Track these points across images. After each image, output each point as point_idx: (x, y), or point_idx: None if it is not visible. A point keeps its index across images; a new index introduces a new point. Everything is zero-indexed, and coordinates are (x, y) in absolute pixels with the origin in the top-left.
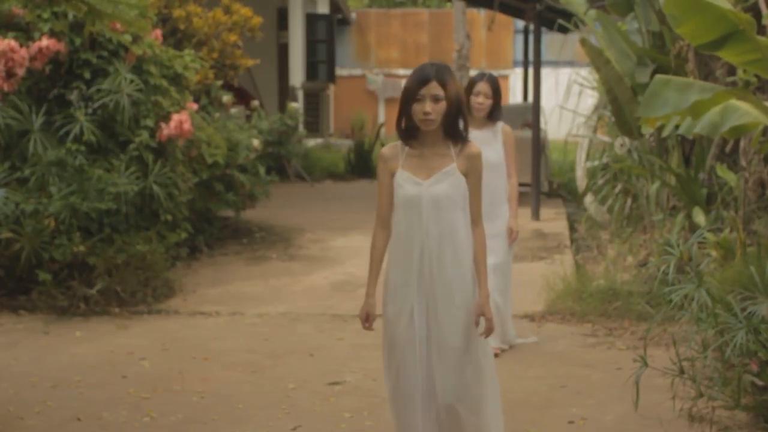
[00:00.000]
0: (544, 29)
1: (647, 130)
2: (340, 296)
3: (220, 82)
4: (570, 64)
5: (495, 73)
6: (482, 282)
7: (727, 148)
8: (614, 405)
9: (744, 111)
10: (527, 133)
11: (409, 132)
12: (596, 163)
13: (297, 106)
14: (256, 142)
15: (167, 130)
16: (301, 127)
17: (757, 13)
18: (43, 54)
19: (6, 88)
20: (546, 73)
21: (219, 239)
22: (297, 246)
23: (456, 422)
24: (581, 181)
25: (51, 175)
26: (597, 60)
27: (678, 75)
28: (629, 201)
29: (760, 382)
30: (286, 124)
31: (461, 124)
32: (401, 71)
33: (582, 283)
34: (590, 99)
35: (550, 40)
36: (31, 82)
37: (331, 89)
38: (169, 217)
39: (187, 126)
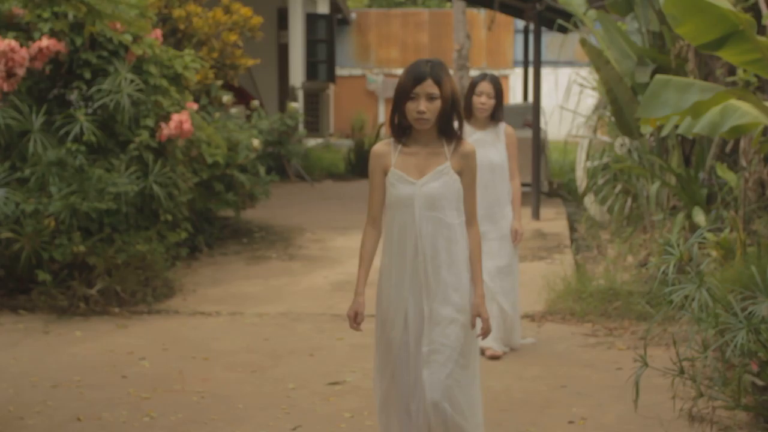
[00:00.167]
0: (544, 29)
1: (647, 130)
2: (340, 296)
3: (220, 82)
4: (570, 64)
5: (495, 73)
6: (477, 282)
7: (727, 148)
8: (614, 405)
9: (744, 111)
10: (527, 133)
11: (403, 130)
12: (596, 163)
13: (297, 106)
14: (256, 142)
15: (167, 130)
16: (301, 127)
17: (757, 13)
18: (43, 54)
19: (6, 88)
20: (546, 73)
21: (219, 239)
22: (297, 246)
23: (442, 422)
24: (581, 181)
25: (51, 175)
26: (597, 60)
27: (678, 75)
28: (629, 201)
29: (760, 382)
30: (286, 124)
31: (456, 123)
32: (401, 71)
33: (582, 283)
34: (590, 99)
35: (550, 40)
36: (31, 82)
37: (331, 89)
38: (169, 217)
39: (187, 126)
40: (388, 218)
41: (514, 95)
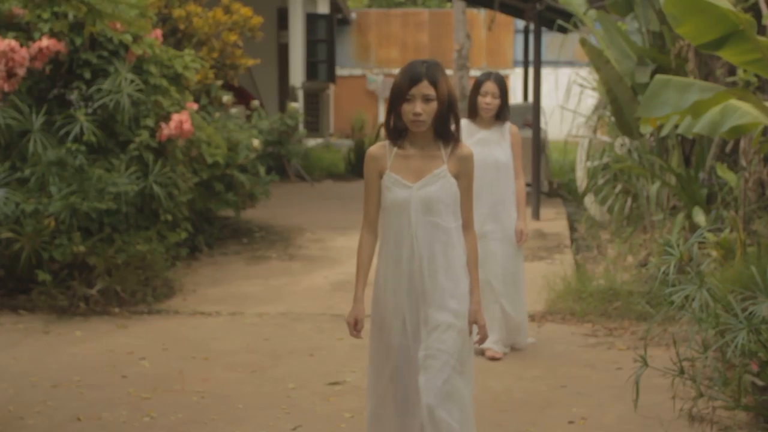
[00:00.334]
0: (544, 29)
1: (646, 130)
2: (340, 296)
3: (220, 82)
4: (570, 64)
5: None
6: (474, 289)
7: (727, 148)
8: (614, 405)
9: (744, 111)
10: (527, 133)
11: (398, 132)
12: (596, 163)
13: (297, 106)
14: (256, 142)
15: (167, 130)
16: (301, 127)
17: (757, 13)
18: (43, 54)
19: (6, 88)
20: (546, 73)
21: (219, 239)
22: (297, 246)
23: (436, 427)
24: (581, 181)
25: (51, 175)
26: (597, 60)
27: (678, 75)
28: (629, 201)
29: (760, 382)
30: (286, 124)
31: (452, 125)
32: None
33: (582, 283)
34: (590, 99)
35: (550, 40)
36: (31, 82)
37: (331, 89)
38: (169, 217)
39: (187, 126)
40: (384, 222)
41: (514, 95)
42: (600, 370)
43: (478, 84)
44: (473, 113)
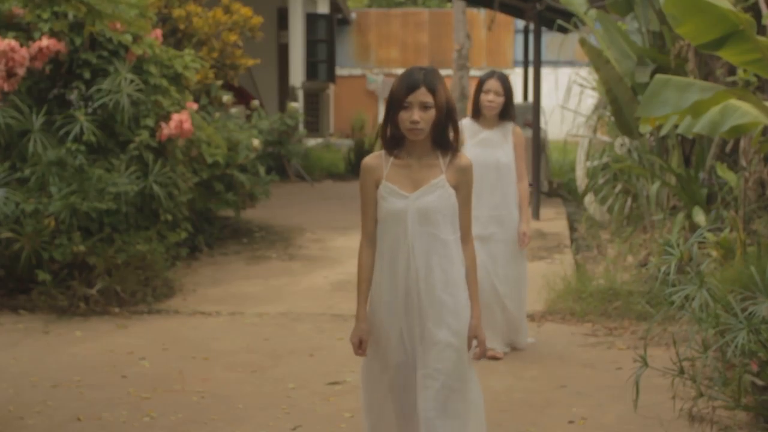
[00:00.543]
0: (544, 29)
1: (646, 129)
2: (340, 296)
3: (220, 82)
4: (570, 64)
5: None
6: (474, 303)
7: (727, 148)
8: (614, 405)
9: (744, 111)
10: (527, 133)
11: (395, 141)
12: (596, 163)
13: (297, 105)
14: (256, 142)
15: (167, 129)
16: (301, 127)
17: (757, 13)
18: (43, 54)
19: (6, 88)
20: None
21: (219, 239)
22: (297, 246)
23: None
24: (581, 181)
25: (51, 175)
26: (596, 60)
27: (678, 75)
28: (629, 201)
29: (760, 382)
30: (286, 124)
31: (451, 133)
32: (401, 71)
33: (582, 283)
34: (590, 99)
35: (550, 40)
36: (31, 82)
37: (331, 89)
38: (169, 217)
39: (187, 126)
40: (379, 233)
41: (514, 95)
42: (600, 370)
43: (481, 82)
44: (476, 112)
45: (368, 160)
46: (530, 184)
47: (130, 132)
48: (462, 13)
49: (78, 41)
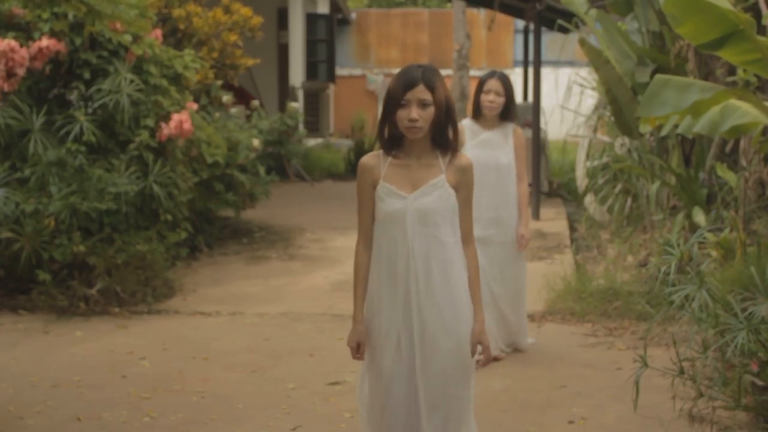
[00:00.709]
0: (544, 29)
1: (646, 129)
2: (340, 296)
3: (220, 82)
4: (570, 64)
5: None
6: (477, 306)
7: (727, 148)
8: (614, 405)
9: (744, 111)
10: (527, 133)
11: (393, 140)
12: (596, 163)
13: (297, 105)
14: (256, 142)
15: (167, 129)
16: (301, 127)
17: (757, 13)
18: (43, 54)
19: (6, 88)
20: (546, 73)
21: (219, 239)
22: (297, 246)
23: None
24: (581, 181)
25: (51, 175)
26: (597, 60)
27: (678, 75)
28: (629, 201)
29: (760, 382)
30: (286, 124)
31: (451, 132)
32: None
33: (582, 283)
34: (590, 99)
35: (551, 40)
36: (31, 82)
37: (331, 89)
38: (169, 217)
39: (187, 126)
40: (377, 235)
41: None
42: (600, 370)
43: (481, 82)
44: (477, 113)
45: (366, 159)
46: (529, 184)
47: (130, 132)
48: (462, 13)
49: (78, 41)
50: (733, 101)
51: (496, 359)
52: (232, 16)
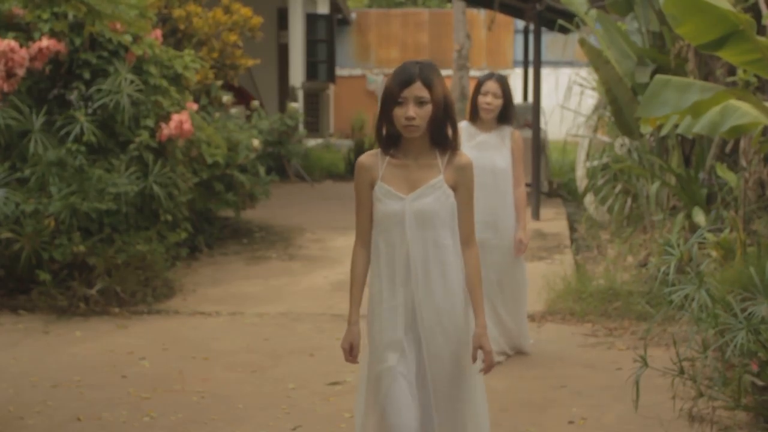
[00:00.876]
0: (544, 29)
1: (646, 129)
2: (340, 296)
3: (220, 82)
4: (570, 64)
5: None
6: (478, 311)
7: (727, 148)
8: (614, 405)
9: (744, 111)
10: (527, 133)
11: (391, 139)
12: (596, 163)
13: (297, 106)
14: (256, 142)
15: (167, 130)
16: (301, 127)
17: (757, 13)
18: (43, 54)
19: (6, 88)
20: (546, 73)
21: (219, 239)
22: (297, 246)
23: None
24: (581, 181)
25: (51, 175)
26: (596, 60)
27: (678, 75)
28: (629, 201)
29: (760, 382)
30: (286, 124)
31: (450, 131)
32: None
33: (582, 283)
34: (590, 99)
35: (551, 40)
36: (31, 82)
37: (331, 89)
38: (169, 217)
39: (187, 126)
40: (374, 236)
41: (514, 95)
42: (600, 370)
43: (479, 83)
44: (474, 115)
45: (363, 159)
46: (529, 185)
47: (130, 132)
48: (462, 13)
49: (78, 41)
50: (733, 101)
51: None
52: (232, 16)
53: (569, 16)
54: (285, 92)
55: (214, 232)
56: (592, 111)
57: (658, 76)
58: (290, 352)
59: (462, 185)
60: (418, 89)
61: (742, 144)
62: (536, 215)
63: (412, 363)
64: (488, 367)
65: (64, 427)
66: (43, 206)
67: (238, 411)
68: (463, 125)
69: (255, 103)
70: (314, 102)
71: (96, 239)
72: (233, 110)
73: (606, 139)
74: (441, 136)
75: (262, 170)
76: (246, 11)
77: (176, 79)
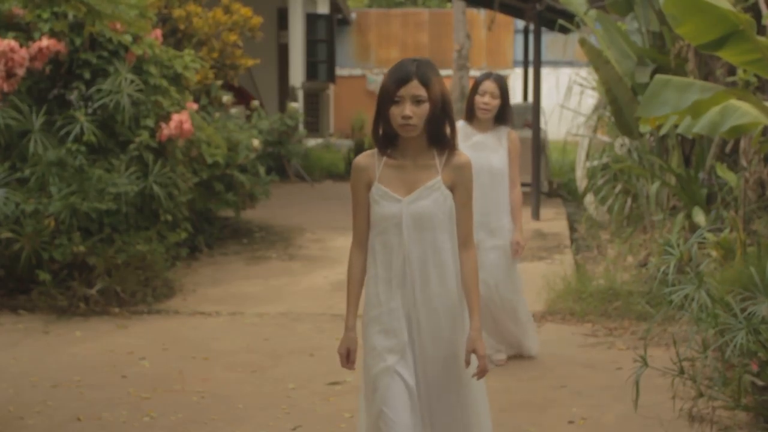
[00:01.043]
0: (544, 29)
1: (645, 129)
2: (340, 296)
3: (220, 82)
4: (570, 64)
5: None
6: (474, 314)
7: (727, 148)
8: (614, 405)
9: (744, 111)
10: (527, 133)
11: (388, 139)
12: (596, 163)
13: (297, 106)
14: (256, 142)
15: (167, 130)
16: (301, 127)
17: (757, 13)
18: (43, 54)
19: (6, 88)
20: (546, 73)
21: (219, 239)
22: (297, 246)
23: None
24: (581, 181)
25: (51, 175)
26: (597, 60)
27: (678, 75)
28: (629, 201)
29: (760, 382)
30: (286, 124)
31: (448, 130)
32: None
33: (582, 283)
34: (590, 99)
35: (551, 40)
36: (31, 82)
37: (331, 89)
38: (169, 217)
39: (187, 126)
40: (371, 238)
41: (514, 95)
42: (600, 370)
43: (476, 83)
44: (470, 115)
45: (359, 159)
46: (528, 184)
47: (131, 132)
48: (462, 13)
49: (78, 41)
50: (733, 101)
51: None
52: (232, 16)
53: (569, 16)
54: (285, 92)
55: (214, 232)
56: (592, 111)
57: (658, 76)
58: (290, 352)
59: (460, 185)
60: (414, 87)
61: (742, 144)
62: (536, 215)
63: (410, 369)
64: (482, 372)
65: (64, 427)
66: (43, 206)
67: (238, 411)
68: (460, 125)
69: (255, 103)
70: (314, 102)
71: (96, 239)
72: (233, 110)
73: (606, 139)
74: (439, 136)
75: (262, 170)
76: (246, 11)
77: (176, 79)
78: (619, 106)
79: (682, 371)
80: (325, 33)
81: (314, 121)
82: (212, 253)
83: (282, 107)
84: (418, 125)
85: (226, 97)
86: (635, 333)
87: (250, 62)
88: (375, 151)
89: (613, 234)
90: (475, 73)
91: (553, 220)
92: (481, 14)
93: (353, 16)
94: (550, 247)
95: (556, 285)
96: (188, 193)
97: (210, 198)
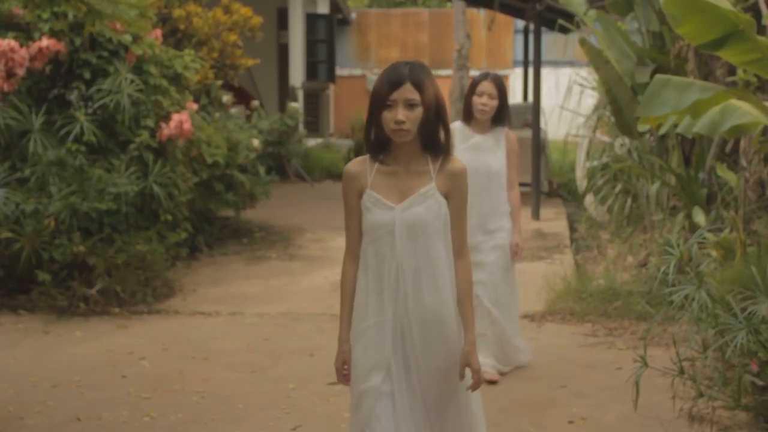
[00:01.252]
0: (544, 29)
1: (643, 127)
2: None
3: (220, 82)
4: (570, 64)
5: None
6: (468, 325)
7: (727, 148)
8: (614, 405)
9: (744, 111)
10: (527, 133)
11: (380, 144)
12: (596, 163)
13: (297, 106)
14: (256, 142)
15: (167, 130)
16: (301, 127)
17: (757, 13)
18: (43, 54)
19: (6, 88)
20: (546, 73)
21: (219, 239)
22: (297, 246)
23: None
24: (581, 181)
25: (51, 175)
26: (597, 60)
27: (678, 75)
28: (629, 201)
29: (760, 382)
30: (286, 124)
31: (442, 134)
32: None
33: (582, 283)
34: (590, 99)
35: (551, 40)
36: (31, 82)
37: (331, 89)
38: (169, 217)
39: (187, 126)
40: (363, 247)
41: (514, 95)
42: (600, 370)
43: (474, 84)
44: (468, 116)
45: (350, 166)
46: (528, 184)
47: (131, 132)
48: (462, 13)
49: (78, 41)
50: (733, 101)
51: (492, 381)
52: (232, 16)
53: (569, 16)
54: (285, 92)
55: (214, 232)
56: (592, 111)
57: (658, 76)
58: (290, 352)
59: (455, 193)
60: (407, 91)
61: (742, 144)
62: (536, 215)
63: (401, 381)
64: (476, 385)
65: (64, 427)
66: (43, 206)
67: (238, 411)
68: (457, 126)
69: (255, 103)
70: (314, 102)
71: (96, 239)
72: (233, 110)
73: (606, 139)
74: (432, 141)
75: (262, 170)
76: (246, 11)
77: (176, 79)
78: (619, 106)
79: (682, 371)
80: (325, 33)
81: (314, 121)
82: (212, 253)
83: (282, 107)
84: (411, 130)
85: (226, 97)
86: (635, 333)
87: (250, 62)
88: (367, 157)
89: (613, 234)
90: (475, 73)
91: (553, 220)
92: (481, 14)
93: (353, 16)
94: (550, 247)
95: (556, 285)
96: (188, 193)
97: (210, 198)
